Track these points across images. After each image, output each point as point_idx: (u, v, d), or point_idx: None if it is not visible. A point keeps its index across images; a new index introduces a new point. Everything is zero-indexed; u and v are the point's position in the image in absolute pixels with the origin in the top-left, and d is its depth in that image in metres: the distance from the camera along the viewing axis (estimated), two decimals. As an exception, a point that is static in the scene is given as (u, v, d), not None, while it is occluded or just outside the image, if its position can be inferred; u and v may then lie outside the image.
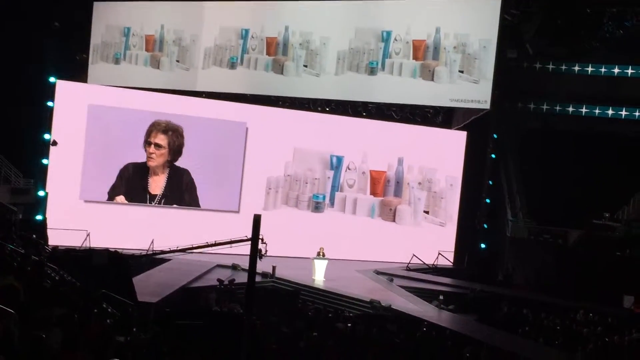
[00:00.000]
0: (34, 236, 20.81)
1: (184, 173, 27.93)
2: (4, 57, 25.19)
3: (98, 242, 24.14)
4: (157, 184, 27.71)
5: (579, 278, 25.96)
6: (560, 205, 28.34)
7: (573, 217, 27.75)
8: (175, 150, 27.80)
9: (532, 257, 28.55)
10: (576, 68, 30.79)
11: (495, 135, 31.05)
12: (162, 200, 27.78)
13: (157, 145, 27.58)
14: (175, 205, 28.04)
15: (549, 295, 25.21)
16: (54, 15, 27.09)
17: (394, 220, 30.59)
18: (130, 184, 27.41)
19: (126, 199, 27.40)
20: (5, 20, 25.21)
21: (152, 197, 27.71)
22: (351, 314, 20.19)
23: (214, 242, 23.24)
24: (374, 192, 30.52)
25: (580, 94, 30.82)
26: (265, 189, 29.09)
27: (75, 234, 24.29)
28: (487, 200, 31.13)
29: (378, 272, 27.28)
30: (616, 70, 30.24)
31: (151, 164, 27.63)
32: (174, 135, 27.73)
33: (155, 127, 27.58)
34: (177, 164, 27.85)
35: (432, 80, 25.95)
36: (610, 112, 30.34)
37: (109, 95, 27.46)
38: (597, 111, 30.58)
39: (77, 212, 26.30)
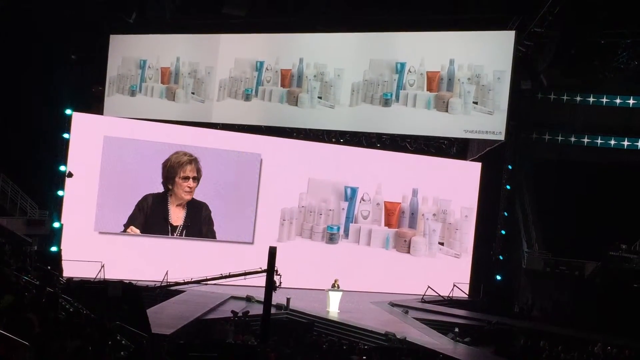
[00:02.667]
0: (49, 267, 20.80)
1: (202, 205, 27.99)
2: (20, 89, 25.43)
3: (112, 273, 24.15)
4: (177, 215, 27.76)
5: (596, 310, 25.71)
6: (576, 237, 28.14)
7: (589, 248, 27.54)
8: (199, 181, 27.98)
9: (549, 289, 28.31)
10: (591, 99, 30.86)
11: (510, 167, 31.04)
12: (184, 232, 27.83)
13: (195, 179, 27.81)
14: (194, 237, 28.03)
15: (566, 328, 24.96)
16: (70, 48, 27.35)
17: (408, 252, 30.44)
18: (150, 215, 27.47)
19: (144, 230, 27.43)
20: (22, 52, 25.49)
21: (174, 229, 27.75)
22: (366, 347, 20.03)
23: (228, 274, 23.25)
24: (388, 224, 30.42)
25: (595, 125, 30.83)
26: (280, 220, 29.06)
27: (89, 266, 24.28)
28: (503, 232, 31.00)
29: (393, 304, 27.13)
30: (631, 102, 30.26)
31: (188, 197, 27.80)
32: (200, 166, 27.94)
33: (184, 161, 27.75)
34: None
35: (447, 111, 25.91)
36: (626, 142, 30.28)
37: (124, 127, 27.65)
38: (612, 142, 30.56)
39: (92, 243, 26.36)
